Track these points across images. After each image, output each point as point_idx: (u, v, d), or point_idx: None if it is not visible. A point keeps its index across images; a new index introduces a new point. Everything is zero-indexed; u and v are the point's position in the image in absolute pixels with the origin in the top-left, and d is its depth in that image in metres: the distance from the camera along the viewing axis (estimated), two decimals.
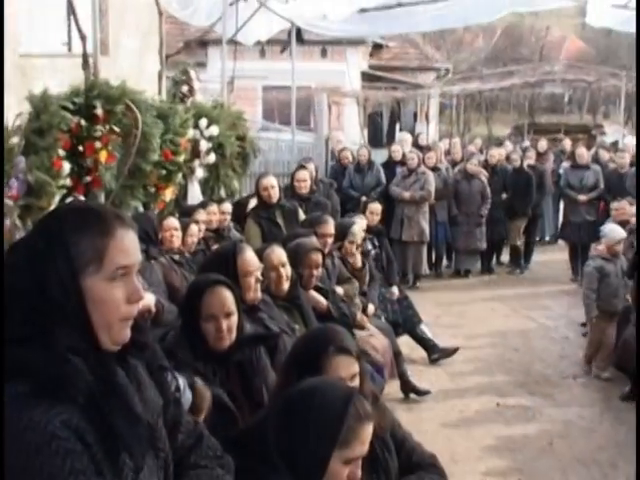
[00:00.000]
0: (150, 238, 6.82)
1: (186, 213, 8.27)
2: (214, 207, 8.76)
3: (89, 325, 2.26)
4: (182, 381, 3.52)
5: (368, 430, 3.06)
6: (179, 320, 4.49)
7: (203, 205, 8.62)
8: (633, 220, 10.77)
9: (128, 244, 2.34)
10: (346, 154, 15.20)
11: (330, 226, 8.09)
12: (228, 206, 9.11)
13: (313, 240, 7.13)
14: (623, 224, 11.29)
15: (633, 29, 15.33)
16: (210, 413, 3.70)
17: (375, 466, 3.49)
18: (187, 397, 3.50)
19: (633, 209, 11.12)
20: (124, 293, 2.32)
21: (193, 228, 7.91)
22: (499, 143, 20.65)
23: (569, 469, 7.00)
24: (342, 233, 8.46)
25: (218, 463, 2.58)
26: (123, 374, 2.35)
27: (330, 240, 8.07)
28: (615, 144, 18.46)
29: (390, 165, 14.89)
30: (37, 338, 2.17)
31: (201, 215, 8.30)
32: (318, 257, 6.82)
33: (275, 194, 9.26)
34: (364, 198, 13.23)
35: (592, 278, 9.52)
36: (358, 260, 8.64)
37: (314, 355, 3.55)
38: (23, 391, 2.11)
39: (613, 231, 9.67)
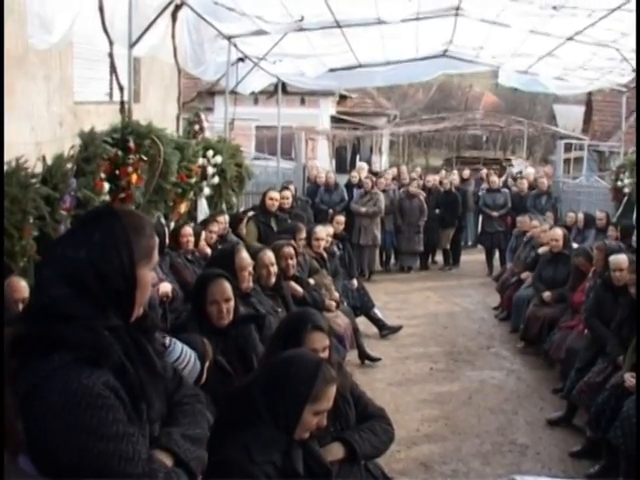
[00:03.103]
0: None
1: (203, 223, 8.28)
2: (221, 218, 8.73)
3: (132, 305, 2.28)
4: (193, 355, 3.50)
5: (332, 390, 3.08)
6: (186, 304, 4.49)
7: (214, 217, 8.59)
8: (534, 231, 10.83)
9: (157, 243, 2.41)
10: (319, 177, 15.18)
11: (303, 232, 8.23)
12: (226, 217, 9.04)
13: (285, 241, 7.18)
14: (524, 233, 11.41)
15: (532, 88, 15.62)
16: (212, 373, 3.70)
17: (338, 416, 3.50)
18: (196, 367, 3.50)
19: (533, 222, 11.18)
20: (152, 279, 2.41)
21: (204, 234, 7.92)
22: (434, 171, 20.66)
23: (483, 416, 7.05)
24: (310, 235, 8.57)
25: (196, 400, 2.56)
26: (146, 341, 2.35)
27: (303, 242, 8.15)
28: (520, 173, 18.54)
29: (349, 187, 14.92)
30: (83, 317, 2.15)
31: (214, 226, 8.27)
32: (290, 250, 6.96)
33: (275, 204, 9.68)
34: (331, 211, 13.25)
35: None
36: (323, 252, 8.72)
37: (296, 331, 3.57)
38: (67, 360, 2.08)
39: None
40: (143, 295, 2.32)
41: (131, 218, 2.34)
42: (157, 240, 2.40)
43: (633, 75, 11.83)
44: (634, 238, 8.60)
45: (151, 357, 2.33)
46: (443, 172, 19.10)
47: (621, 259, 6.53)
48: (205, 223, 8.29)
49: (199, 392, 2.63)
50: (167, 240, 7.13)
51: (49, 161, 5.28)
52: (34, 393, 2.05)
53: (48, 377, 2.06)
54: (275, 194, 9.80)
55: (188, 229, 7.52)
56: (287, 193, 10.55)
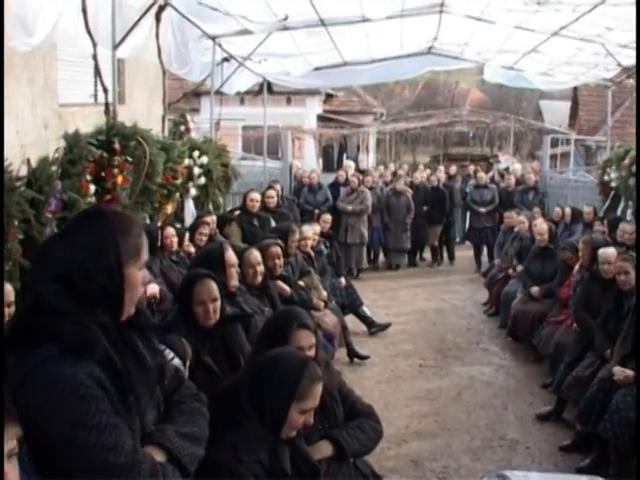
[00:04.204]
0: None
1: (192, 228, 8.24)
2: (209, 218, 8.69)
3: (121, 303, 2.31)
4: (171, 355, 3.50)
5: (319, 389, 3.09)
6: (174, 305, 4.49)
7: (202, 219, 8.55)
8: (521, 226, 10.86)
9: (147, 243, 2.45)
10: (304, 176, 15.17)
11: (296, 234, 8.08)
12: (214, 217, 9.01)
13: (272, 240, 7.15)
14: (511, 228, 11.43)
15: (518, 84, 15.65)
16: (199, 374, 3.71)
17: (326, 414, 3.50)
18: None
19: (520, 217, 11.19)
20: (142, 278, 2.41)
21: (187, 235, 7.90)
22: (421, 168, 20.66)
23: (472, 412, 7.06)
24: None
25: (195, 399, 2.60)
26: (136, 337, 2.38)
27: (296, 244, 8.07)
28: (507, 169, 18.59)
29: (336, 185, 14.95)
30: (71, 313, 2.19)
31: (204, 229, 8.23)
32: (277, 250, 6.91)
33: (256, 205, 9.61)
34: (317, 211, 13.22)
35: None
36: (310, 251, 8.72)
37: (282, 329, 3.57)
38: (53, 352, 2.13)
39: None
40: (133, 294, 2.36)
41: (119, 218, 2.38)
42: (146, 240, 2.43)
43: (618, 69, 11.89)
44: (618, 232, 8.62)
45: (140, 351, 2.36)
46: (421, 167, 19.19)
47: (610, 252, 6.57)
48: (195, 227, 8.22)
49: (199, 392, 2.66)
50: (159, 241, 7.12)
51: (34, 164, 5.26)
52: (22, 384, 2.10)
53: (35, 368, 2.11)
54: (256, 195, 9.74)
55: (171, 230, 7.47)
56: (272, 192, 10.51)
